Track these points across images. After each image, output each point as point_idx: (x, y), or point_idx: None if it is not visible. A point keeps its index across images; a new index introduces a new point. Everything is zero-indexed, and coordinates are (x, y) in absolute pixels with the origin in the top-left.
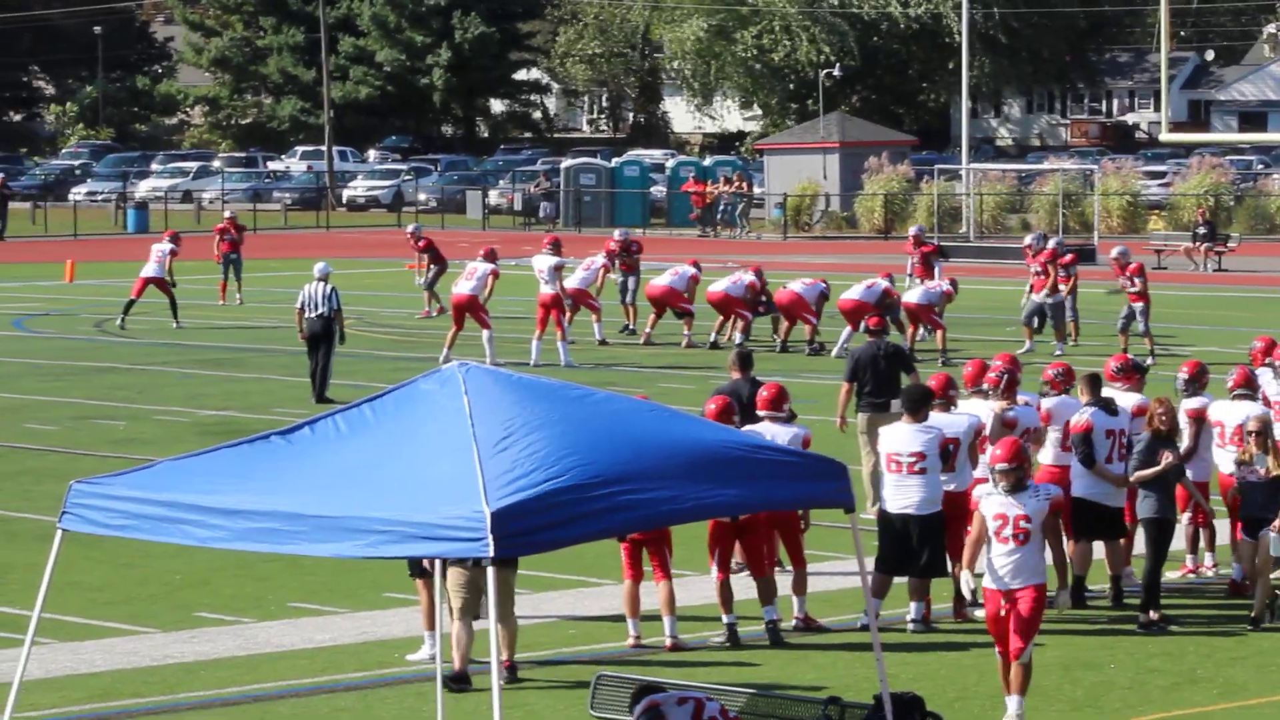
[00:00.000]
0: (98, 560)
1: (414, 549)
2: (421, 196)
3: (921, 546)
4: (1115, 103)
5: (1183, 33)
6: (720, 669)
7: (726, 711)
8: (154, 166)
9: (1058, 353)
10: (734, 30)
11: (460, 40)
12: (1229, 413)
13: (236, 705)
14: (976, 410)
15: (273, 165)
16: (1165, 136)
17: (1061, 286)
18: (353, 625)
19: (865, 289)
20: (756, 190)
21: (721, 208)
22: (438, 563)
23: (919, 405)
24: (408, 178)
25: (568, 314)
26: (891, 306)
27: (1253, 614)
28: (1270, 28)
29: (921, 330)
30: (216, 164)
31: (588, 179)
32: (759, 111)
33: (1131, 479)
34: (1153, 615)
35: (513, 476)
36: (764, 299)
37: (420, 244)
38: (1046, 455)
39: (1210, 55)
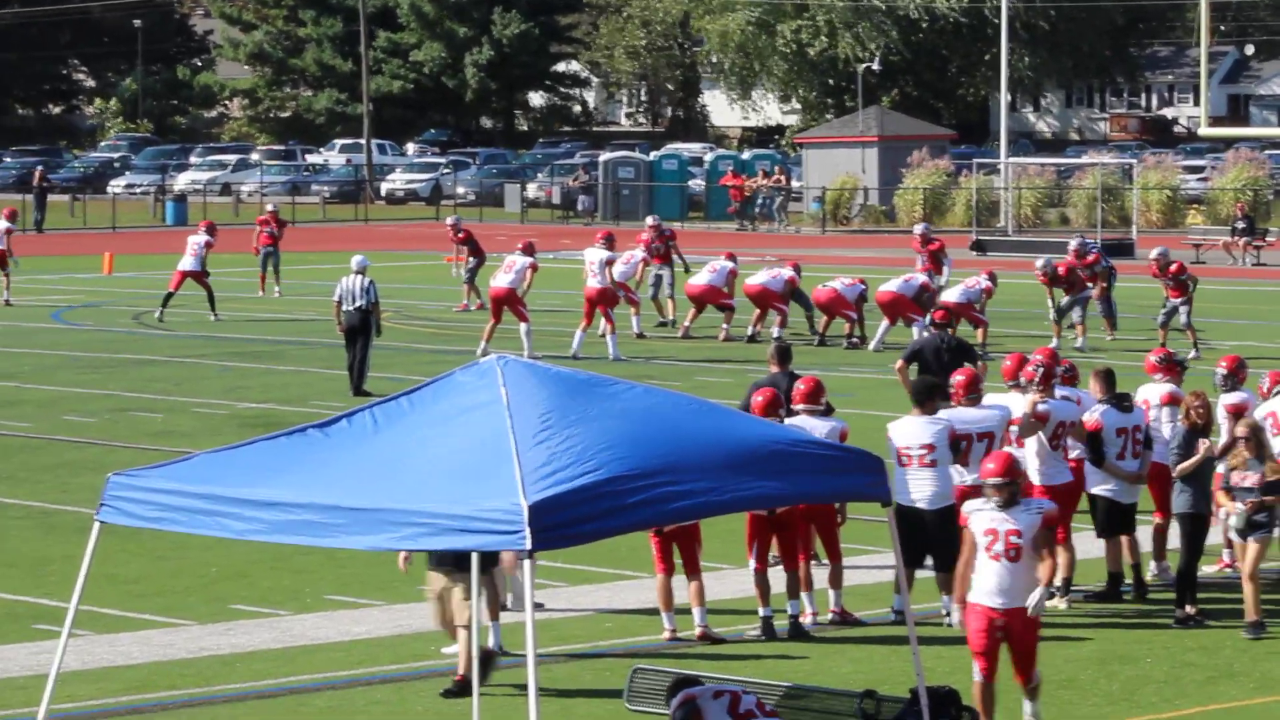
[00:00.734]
0: (135, 552)
1: (451, 542)
2: (460, 190)
3: (935, 540)
4: (1154, 97)
5: (1222, 27)
6: (757, 662)
7: (763, 704)
8: (193, 159)
9: (1077, 345)
10: (776, 23)
11: (500, 35)
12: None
13: (272, 698)
14: (1014, 404)
15: (311, 158)
16: (1204, 131)
17: (1089, 285)
18: (388, 618)
19: (903, 282)
20: (795, 184)
21: (760, 201)
22: (473, 556)
23: (926, 397)
24: (446, 171)
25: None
26: (927, 302)
27: (1250, 618)
28: None
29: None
30: (255, 157)
31: (626, 172)
32: (798, 105)
33: (1174, 473)
34: (1189, 610)
35: (550, 469)
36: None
37: (460, 236)
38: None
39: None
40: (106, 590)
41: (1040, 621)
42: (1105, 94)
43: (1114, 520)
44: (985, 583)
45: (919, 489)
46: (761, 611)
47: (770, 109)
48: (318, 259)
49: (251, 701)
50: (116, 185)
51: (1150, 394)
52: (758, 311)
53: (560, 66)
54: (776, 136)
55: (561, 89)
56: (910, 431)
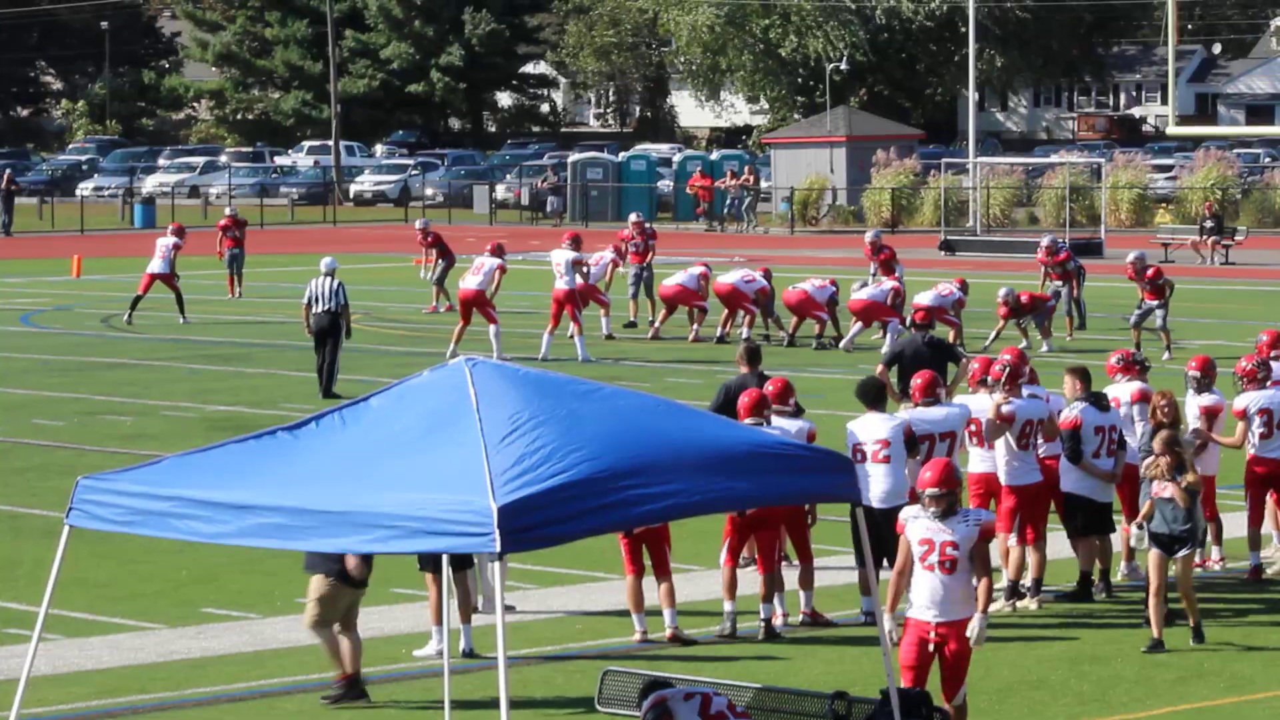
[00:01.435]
0: (104, 556)
1: (421, 544)
2: (428, 191)
3: (886, 538)
4: (1122, 96)
5: (1190, 26)
6: (728, 664)
7: (734, 706)
8: (161, 161)
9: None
10: (746, 20)
11: (470, 35)
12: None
13: (243, 701)
14: (980, 405)
15: (279, 160)
16: (1172, 130)
17: (1053, 299)
18: (360, 620)
19: (875, 289)
20: (764, 184)
21: (729, 202)
22: (444, 558)
23: (876, 397)
24: (414, 172)
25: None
26: (899, 305)
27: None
28: (1278, 21)
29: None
30: (223, 159)
31: (595, 173)
32: (766, 105)
33: (1142, 471)
34: None
35: (519, 471)
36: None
37: (429, 240)
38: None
39: (1218, 48)
40: (76, 594)
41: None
42: (1073, 93)
43: (1090, 520)
44: (919, 595)
45: (872, 486)
46: (727, 606)
47: (739, 110)
48: (286, 261)
49: (222, 705)
50: (85, 188)
51: (1120, 392)
52: (726, 312)
53: (528, 68)
54: (744, 137)
55: (529, 90)
56: (868, 427)
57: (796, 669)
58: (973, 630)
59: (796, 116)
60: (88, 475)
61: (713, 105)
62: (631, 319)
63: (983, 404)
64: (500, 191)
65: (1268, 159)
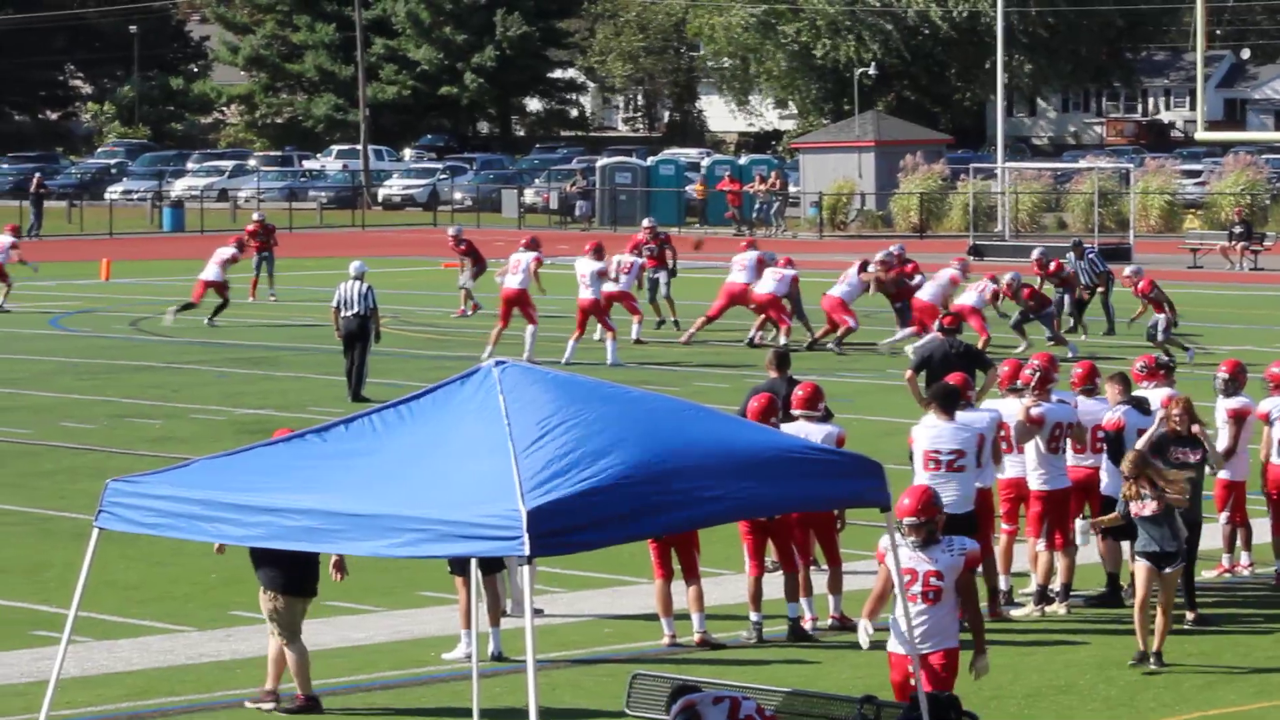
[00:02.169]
0: (134, 559)
1: (450, 548)
2: (457, 195)
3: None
4: (1151, 101)
5: (1219, 31)
6: (756, 668)
7: (763, 710)
8: (190, 165)
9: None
10: (777, 24)
11: (501, 39)
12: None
13: None
14: (1010, 409)
15: (308, 164)
16: (1201, 135)
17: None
18: (388, 624)
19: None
20: (792, 189)
21: (757, 206)
22: (473, 561)
23: (951, 403)
24: (443, 176)
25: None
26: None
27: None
28: None
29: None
30: (252, 163)
31: (623, 178)
32: (794, 110)
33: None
34: (1188, 615)
35: (549, 475)
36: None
37: (461, 248)
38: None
39: (1246, 54)
40: (105, 596)
41: (957, 666)
42: (1101, 99)
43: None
44: (904, 627)
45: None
46: (753, 617)
47: (768, 114)
48: (315, 265)
49: (250, 708)
50: (113, 191)
51: (1150, 399)
52: (760, 317)
53: (557, 72)
54: (773, 142)
55: (558, 94)
56: (940, 435)
57: (825, 673)
58: (977, 668)
59: (825, 121)
60: (117, 478)
61: (742, 110)
62: (662, 319)
63: (1012, 408)
64: (529, 196)
65: None
